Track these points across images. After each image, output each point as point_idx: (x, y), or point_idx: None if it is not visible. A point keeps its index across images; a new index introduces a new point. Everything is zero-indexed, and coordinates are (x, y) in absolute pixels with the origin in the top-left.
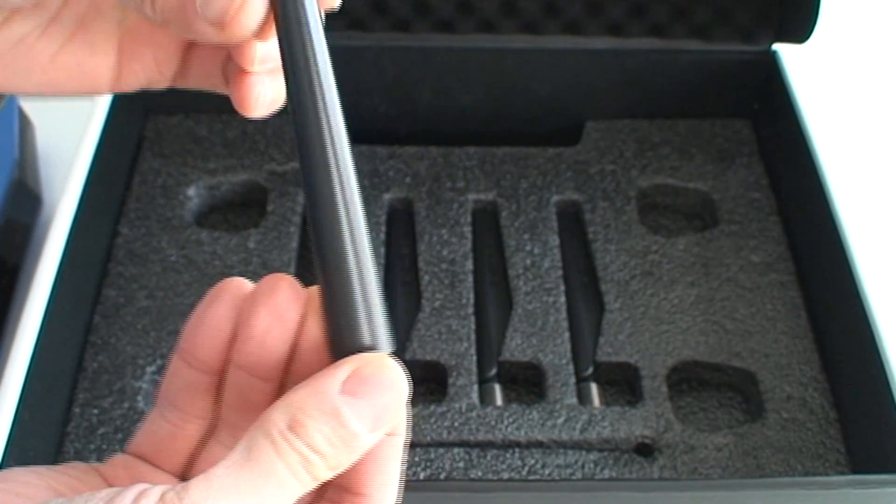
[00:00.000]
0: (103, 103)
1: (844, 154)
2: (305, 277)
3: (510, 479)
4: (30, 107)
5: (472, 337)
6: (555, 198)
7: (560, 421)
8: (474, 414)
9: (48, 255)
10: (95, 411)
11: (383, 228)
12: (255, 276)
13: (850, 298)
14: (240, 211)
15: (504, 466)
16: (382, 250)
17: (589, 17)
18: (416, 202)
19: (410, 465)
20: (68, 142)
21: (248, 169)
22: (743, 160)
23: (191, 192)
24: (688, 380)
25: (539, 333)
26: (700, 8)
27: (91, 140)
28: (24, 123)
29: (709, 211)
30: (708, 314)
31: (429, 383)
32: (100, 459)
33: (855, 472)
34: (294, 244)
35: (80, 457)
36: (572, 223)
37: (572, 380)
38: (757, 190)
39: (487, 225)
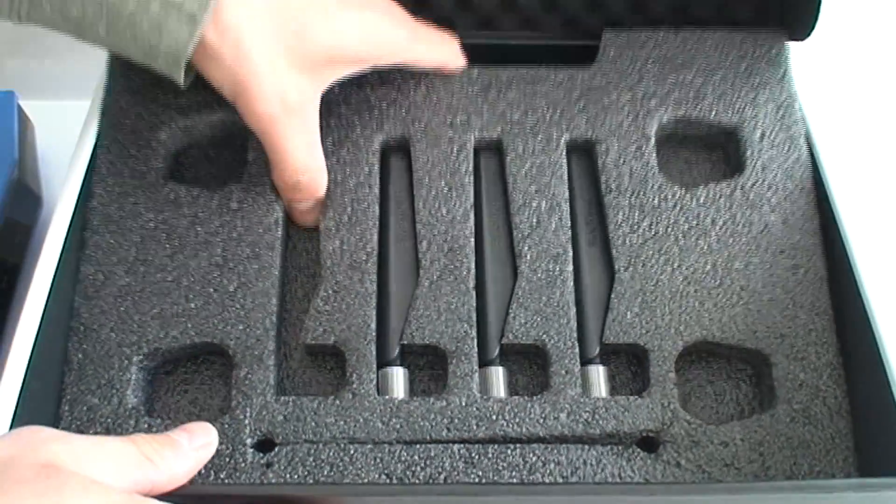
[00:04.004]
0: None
1: (844, 153)
2: (294, 240)
3: (509, 483)
4: (30, 107)
5: (473, 317)
6: (565, 136)
7: (563, 416)
8: (474, 409)
9: (48, 255)
10: (84, 409)
11: (377, 179)
12: (239, 242)
13: (851, 299)
14: (218, 155)
15: (505, 465)
16: (376, 209)
17: None
18: (413, 142)
19: (410, 464)
20: (68, 142)
21: (225, 108)
22: (775, 86)
23: (163, 136)
24: (698, 360)
25: (543, 310)
26: (700, 7)
27: (91, 140)
28: (24, 123)
29: (734, 149)
30: (724, 286)
31: (428, 369)
32: None
33: (861, 469)
34: (280, 204)
35: None
36: (583, 167)
37: (577, 367)
38: (789, 116)
39: (491, 172)
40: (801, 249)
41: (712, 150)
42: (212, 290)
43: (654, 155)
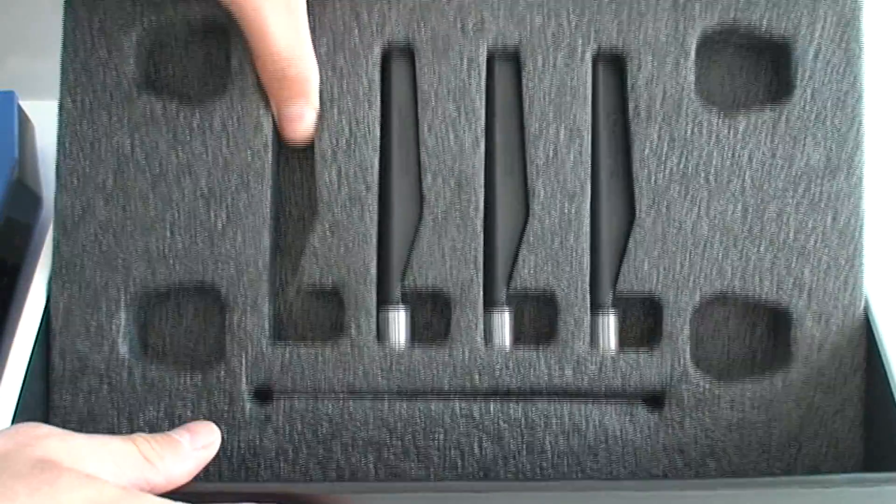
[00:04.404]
0: None
1: None
2: (285, 159)
3: (504, 480)
4: (30, 107)
5: (480, 260)
6: (592, 46)
7: (568, 370)
8: (477, 361)
9: (48, 254)
10: (75, 358)
11: (377, 95)
12: (225, 169)
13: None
14: (197, 59)
15: (506, 422)
16: (377, 132)
17: None
18: (418, 51)
19: (409, 420)
20: None
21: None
22: None
23: (135, 35)
24: (715, 309)
25: (555, 256)
26: None
27: None
28: (24, 123)
29: (784, 66)
30: (753, 234)
31: (430, 311)
32: (90, 413)
33: (867, 439)
34: (269, 121)
35: (69, 410)
36: (610, 84)
37: (586, 318)
38: (850, 31)
39: (504, 89)
40: (843, 195)
41: (759, 59)
42: (198, 225)
43: (693, 73)
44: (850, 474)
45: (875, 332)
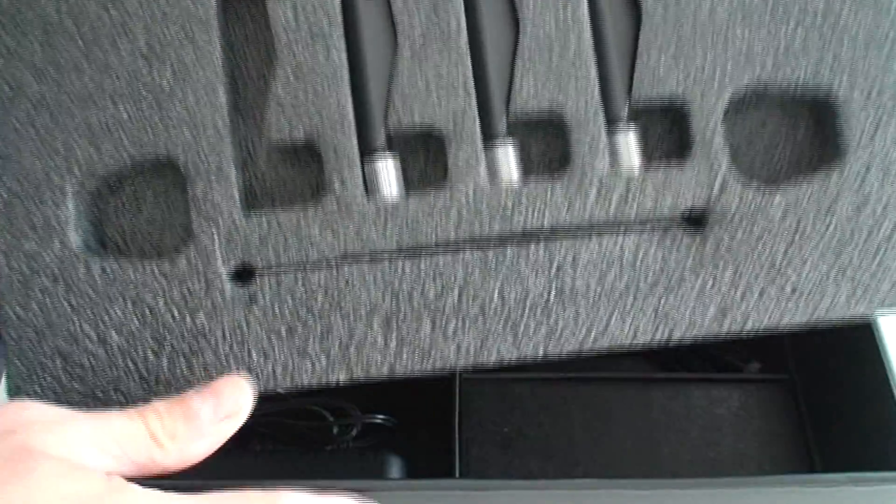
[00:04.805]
0: None
1: None
2: (233, 7)
3: (511, 479)
4: None
5: (471, 85)
6: None
7: (590, 198)
8: (484, 200)
9: None
10: (22, 257)
11: None
12: (165, 22)
13: None
14: None
15: (528, 268)
16: None
17: None
18: None
19: (415, 279)
20: None
21: None
22: None
23: None
24: (750, 117)
25: (556, 69)
26: None
27: None
28: None
29: None
30: (777, 12)
31: (424, 162)
32: (47, 321)
33: None
34: None
35: (24, 321)
36: None
37: (603, 135)
38: None
39: None
40: None
41: None
42: (142, 88)
43: None
44: (850, 473)
45: None
